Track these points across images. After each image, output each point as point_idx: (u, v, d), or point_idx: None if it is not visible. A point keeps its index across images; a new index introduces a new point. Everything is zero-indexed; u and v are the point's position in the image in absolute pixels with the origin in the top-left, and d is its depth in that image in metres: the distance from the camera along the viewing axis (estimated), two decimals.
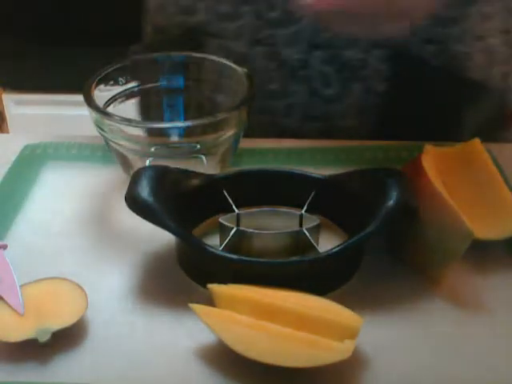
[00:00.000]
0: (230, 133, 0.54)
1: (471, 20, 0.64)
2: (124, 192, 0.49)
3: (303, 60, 0.64)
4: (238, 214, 0.52)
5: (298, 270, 0.48)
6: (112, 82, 0.59)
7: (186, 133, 0.53)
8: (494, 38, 0.67)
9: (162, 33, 0.71)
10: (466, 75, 0.66)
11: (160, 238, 0.52)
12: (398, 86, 0.65)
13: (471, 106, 0.68)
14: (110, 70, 0.59)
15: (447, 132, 0.68)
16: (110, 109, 0.58)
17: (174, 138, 0.54)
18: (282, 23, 0.63)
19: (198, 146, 0.54)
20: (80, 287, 0.46)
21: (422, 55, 0.64)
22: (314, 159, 0.63)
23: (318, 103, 0.66)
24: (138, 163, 0.55)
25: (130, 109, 0.61)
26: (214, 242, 0.51)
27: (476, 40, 0.65)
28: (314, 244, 0.50)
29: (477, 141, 0.57)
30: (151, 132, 0.53)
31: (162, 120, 0.63)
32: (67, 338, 0.44)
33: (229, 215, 0.52)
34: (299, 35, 0.63)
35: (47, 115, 1.78)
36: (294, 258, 0.49)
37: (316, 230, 0.51)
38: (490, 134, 0.70)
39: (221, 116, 0.54)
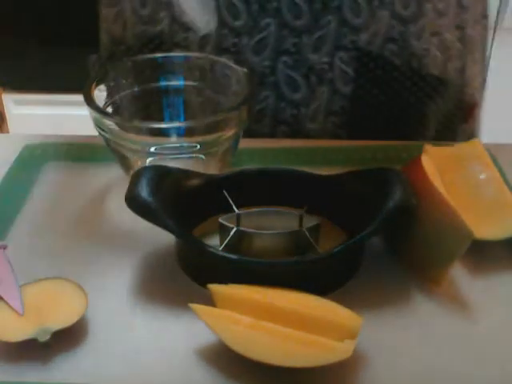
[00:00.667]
0: (230, 133, 0.54)
1: (428, 17, 0.66)
2: (124, 192, 0.49)
3: (270, 66, 0.65)
4: (237, 214, 0.52)
5: (298, 270, 0.48)
6: (112, 83, 0.59)
7: (186, 133, 0.53)
8: (449, 33, 0.69)
9: (119, 44, 0.71)
10: (425, 72, 0.68)
11: (160, 238, 0.52)
12: (363, 86, 0.67)
13: (432, 101, 0.70)
14: (110, 70, 0.59)
15: (412, 128, 0.70)
16: (110, 109, 0.58)
17: (174, 138, 0.54)
18: (248, 31, 0.64)
19: (198, 146, 0.54)
20: (80, 287, 0.46)
21: (384, 54, 0.66)
22: (314, 159, 0.63)
23: (286, 108, 0.68)
24: (137, 163, 0.55)
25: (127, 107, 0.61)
26: (214, 242, 0.51)
27: (433, 36, 0.67)
28: (314, 244, 0.50)
29: (477, 141, 0.57)
30: (151, 132, 0.53)
31: (162, 120, 0.63)
32: (67, 338, 0.44)
33: (229, 215, 0.52)
34: (265, 42, 0.64)
35: (47, 115, 1.79)
36: (294, 258, 0.49)
37: (316, 229, 0.51)
38: (449, 128, 0.72)
39: (221, 116, 0.54)
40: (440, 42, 0.68)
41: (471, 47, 0.72)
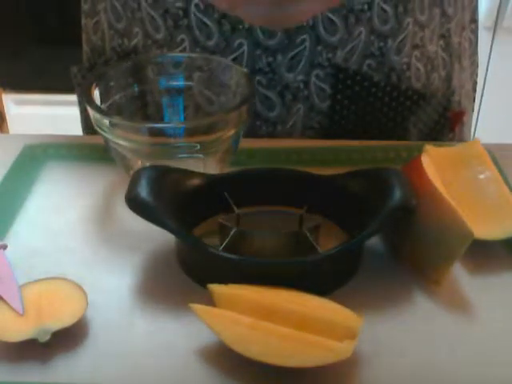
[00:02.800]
0: (230, 133, 0.54)
1: (408, 30, 0.65)
2: (124, 192, 0.49)
3: None
4: (237, 214, 0.52)
5: (298, 270, 0.48)
6: (112, 83, 0.59)
7: (185, 133, 0.53)
8: (432, 44, 0.68)
9: (99, 55, 0.71)
10: (405, 86, 0.67)
11: (160, 238, 0.52)
12: (341, 102, 0.66)
13: (414, 115, 0.69)
14: (109, 70, 0.59)
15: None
16: (110, 109, 0.58)
17: (174, 138, 0.54)
18: (221, 51, 0.63)
19: (198, 146, 0.54)
20: (80, 287, 0.46)
21: (362, 70, 0.65)
22: (314, 159, 0.63)
23: (262, 125, 0.67)
24: (137, 163, 0.55)
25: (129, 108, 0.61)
26: (213, 242, 0.51)
27: (414, 49, 0.66)
28: (314, 244, 0.50)
29: (477, 141, 0.57)
30: (151, 132, 0.53)
31: (162, 120, 0.63)
32: (67, 338, 0.44)
33: (229, 215, 0.52)
34: (238, 62, 0.64)
35: (47, 115, 1.79)
36: (294, 258, 0.49)
37: (316, 230, 0.51)
38: (434, 139, 0.71)
39: (221, 116, 0.54)
40: (422, 54, 0.67)
41: (458, 55, 0.71)
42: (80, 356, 0.44)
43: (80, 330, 0.45)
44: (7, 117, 1.87)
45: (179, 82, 0.62)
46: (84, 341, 0.45)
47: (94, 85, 0.56)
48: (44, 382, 0.42)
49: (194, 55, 0.63)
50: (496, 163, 0.58)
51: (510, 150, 0.64)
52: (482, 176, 0.54)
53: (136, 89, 0.61)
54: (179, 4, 0.62)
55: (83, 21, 0.73)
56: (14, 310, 0.45)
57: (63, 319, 0.44)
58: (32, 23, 1.74)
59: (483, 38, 1.61)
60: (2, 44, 1.75)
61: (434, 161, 0.53)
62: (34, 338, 0.43)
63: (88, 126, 0.77)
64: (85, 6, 0.71)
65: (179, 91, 0.62)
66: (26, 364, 0.43)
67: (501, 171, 0.57)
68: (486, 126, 1.67)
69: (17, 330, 0.43)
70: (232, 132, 0.54)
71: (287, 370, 0.41)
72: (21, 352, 0.43)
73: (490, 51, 1.63)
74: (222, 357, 0.43)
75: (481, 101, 1.68)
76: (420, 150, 0.55)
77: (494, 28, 1.60)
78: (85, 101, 0.54)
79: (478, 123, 1.70)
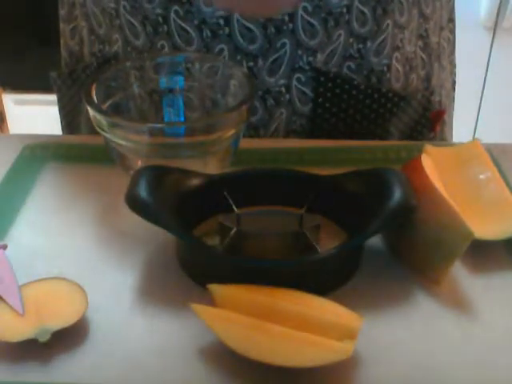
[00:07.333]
0: (230, 133, 0.54)
1: (387, 32, 0.65)
2: (124, 192, 0.49)
3: None
4: (237, 214, 0.52)
5: (298, 270, 0.48)
6: (112, 83, 0.59)
7: (186, 133, 0.53)
8: (411, 45, 0.68)
9: (78, 60, 0.71)
10: (386, 88, 0.67)
11: (160, 238, 0.52)
12: (323, 105, 0.66)
13: (396, 115, 0.69)
14: (109, 70, 0.59)
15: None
16: (110, 109, 0.58)
17: (174, 138, 0.54)
18: (200, 58, 0.63)
19: (198, 146, 0.54)
20: (80, 287, 0.46)
21: (343, 73, 0.65)
22: (315, 159, 0.63)
23: (245, 130, 0.67)
24: (138, 163, 0.55)
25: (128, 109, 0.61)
26: (213, 242, 0.51)
27: (393, 50, 0.66)
28: (314, 244, 0.50)
29: (477, 141, 0.57)
30: (151, 132, 0.53)
31: (162, 120, 0.63)
32: (67, 338, 0.44)
33: (229, 215, 0.52)
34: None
35: (47, 115, 1.79)
36: (294, 258, 0.49)
37: (316, 230, 0.51)
38: (415, 139, 0.71)
39: (221, 116, 0.54)
40: (401, 55, 0.67)
41: (437, 54, 0.71)
42: (80, 356, 0.44)
43: (80, 330, 0.45)
44: (7, 117, 1.87)
45: (179, 82, 0.62)
46: (84, 341, 0.45)
47: (94, 85, 0.56)
48: (44, 382, 0.42)
49: (193, 55, 0.63)
50: (496, 163, 0.58)
51: (510, 149, 0.64)
52: (482, 176, 0.54)
53: (136, 89, 0.61)
54: (158, 10, 0.62)
55: (61, 26, 0.72)
56: (14, 309, 0.45)
57: (63, 319, 0.44)
58: (32, 23, 1.74)
59: (483, 38, 1.61)
60: (2, 44, 1.75)
61: (434, 161, 0.53)
62: (34, 338, 0.43)
63: (69, 129, 0.77)
64: (62, 11, 0.71)
65: (179, 91, 0.62)
66: (26, 364, 0.43)
67: (501, 171, 0.57)
68: (486, 125, 1.67)
69: (17, 330, 0.43)
70: (232, 132, 0.54)
71: (287, 370, 0.41)
72: (21, 352, 0.43)
73: (490, 51, 1.63)
74: (222, 357, 0.43)
75: (481, 101, 1.68)
76: (420, 150, 0.55)
77: (494, 28, 1.60)
78: (85, 101, 0.54)
79: (478, 123, 1.70)
